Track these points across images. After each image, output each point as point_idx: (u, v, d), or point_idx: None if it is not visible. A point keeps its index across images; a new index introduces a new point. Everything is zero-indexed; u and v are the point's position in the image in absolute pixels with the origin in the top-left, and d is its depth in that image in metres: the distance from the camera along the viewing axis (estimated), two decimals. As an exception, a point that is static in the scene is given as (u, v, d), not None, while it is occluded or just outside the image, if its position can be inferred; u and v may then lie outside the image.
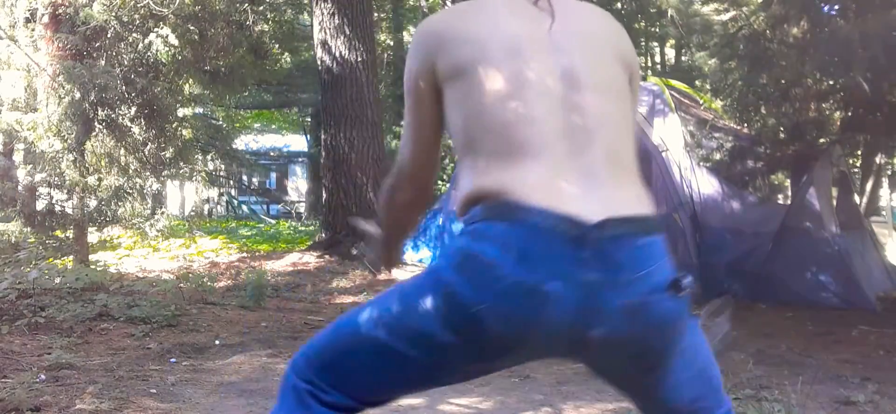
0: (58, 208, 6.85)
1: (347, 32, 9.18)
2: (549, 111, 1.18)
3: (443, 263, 1.18)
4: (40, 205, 6.96)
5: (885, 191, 13.03)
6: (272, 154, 23.69)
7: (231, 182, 17.96)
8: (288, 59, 15.56)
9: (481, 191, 1.16)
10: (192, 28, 6.98)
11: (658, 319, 1.14)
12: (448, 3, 18.51)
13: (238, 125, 18.96)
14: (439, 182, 15.07)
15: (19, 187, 6.97)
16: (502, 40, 1.23)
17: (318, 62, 9.50)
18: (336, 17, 9.18)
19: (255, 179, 21.78)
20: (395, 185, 1.41)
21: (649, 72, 19.29)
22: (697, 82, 14.61)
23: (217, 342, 4.51)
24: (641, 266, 1.12)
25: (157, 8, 6.59)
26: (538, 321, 1.10)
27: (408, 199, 1.42)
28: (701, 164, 7.33)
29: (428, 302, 1.16)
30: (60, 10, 6.50)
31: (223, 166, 14.73)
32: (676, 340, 1.19)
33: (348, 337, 1.26)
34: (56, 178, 6.63)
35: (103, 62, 6.59)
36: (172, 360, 4.03)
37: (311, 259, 8.45)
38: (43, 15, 6.65)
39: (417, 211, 1.52)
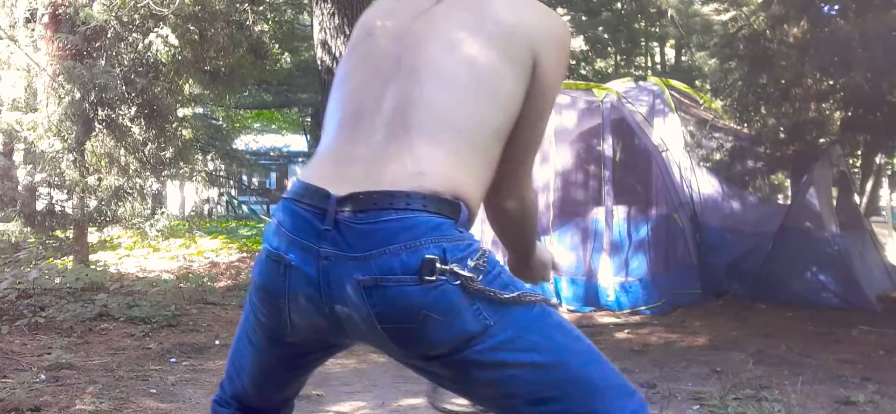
0: (58, 208, 6.85)
1: (347, 32, 9.17)
2: (366, 93, 1.18)
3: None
4: (40, 205, 6.96)
5: (885, 191, 13.03)
6: (272, 154, 23.70)
7: (231, 182, 17.95)
8: (288, 59, 15.55)
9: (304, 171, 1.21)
10: (192, 28, 6.98)
11: (399, 303, 1.05)
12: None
13: (238, 125, 18.96)
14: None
15: (19, 187, 6.97)
16: (369, 24, 1.27)
17: (318, 62, 9.48)
18: (336, 17, 9.18)
19: (255, 179, 21.78)
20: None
21: (649, 72, 19.29)
22: (697, 82, 14.60)
23: (217, 342, 4.51)
24: (378, 244, 1.05)
25: (157, 8, 6.59)
26: (288, 291, 1.12)
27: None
28: (701, 164, 7.33)
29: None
30: (60, 10, 6.50)
31: (223, 166, 14.72)
32: (452, 329, 1.07)
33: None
34: (56, 178, 6.63)
35: (103, 62, 6.59)
36: (172, 360, 4.03)
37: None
38: (43, 15, 6.65)
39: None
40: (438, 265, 1.04)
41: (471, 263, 1.07)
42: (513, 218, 1.31)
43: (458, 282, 1.05)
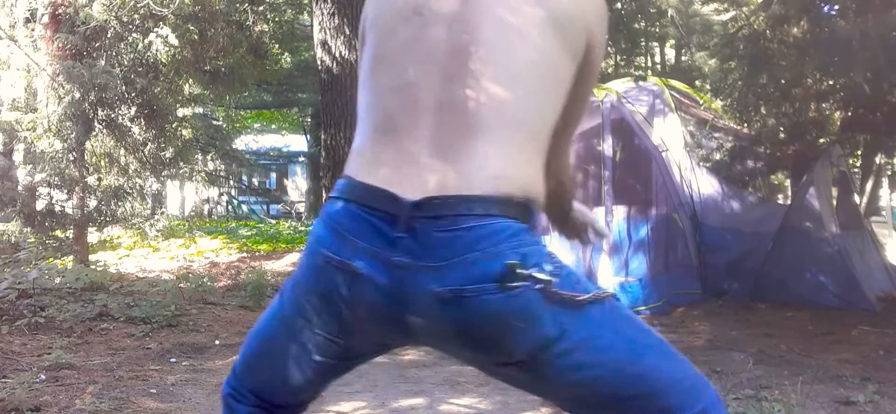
0: (58, 208, 6.85)
1: (347, 32, 9.18)
2: (419, 84, 1.09)
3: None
4: (40, 205, 6.96)
5: (885, 191, 13.03)
6: (272, 154, 23.70)
7: (231, 182, 17.95)
8: (288, 59, 15.56)
9: (346, 168, 1.14)
10: (191, 28, 6.98)
11: (481, 312, 1.01)
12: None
13: (238, 125, 18.97)
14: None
15: (19, 187, 6.97)
16: (408, 1, 1.15)
17: (318, 62, 9.49)
18: (336, 18, 9.18)
19: (255, 179, 21.78)
20: None
21: (649, 72, 19.28)
22: (697, 82, 14.60)
23: (217, 342, 4.51)
24: (458, 252, 1.00)
25: (157, 8, 6.59)
26: (353, 300, 1.06)
27: None
28: (701, 164, 7.33)
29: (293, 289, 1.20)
30: (60, 10, 6.50)
31: (223, 166, 14.73)
32: (531, 335, 1.04)
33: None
34: (56, 179, 6.63)
35: (103, 62, 6.59)
36: (172, 360, 4.03)
37: (311, 259, 8.45)
38: (43, 15, 6.65)
39: None
40: (520, 271, 1.00)
41: (548, 267, 1.04)
42: (551, 198, 1.27)
43: (539, 286, 1.02)
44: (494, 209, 1.02)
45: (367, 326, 1.10)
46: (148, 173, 7.46)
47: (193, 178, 9.73)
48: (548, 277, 1.02)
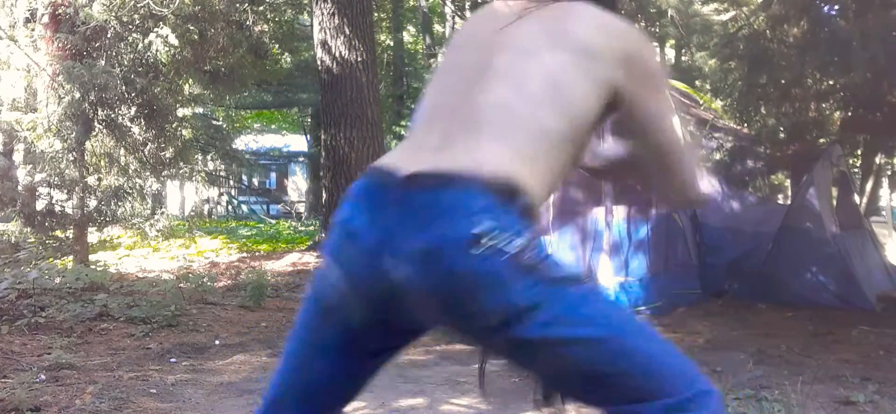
0: (58, 208, 6.85)
1: (347, 32, 9.18)
2: (448, 94, 1.33)
3: None
4: (40, 205, 6.96)
5: (885, 191, 13.03)
6: (272, 154, 23.70)
7: (231, 182, 17.96)
8: (288, 59, 15.56)
9: None
10: (191, 28, 6.98)
11: (452, 271, 1.12)
12: (447, 4, 18.50)
13: (238, 125, 18.97)
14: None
15: (19, 187, 6.97)
16: (459, 37, 1.47)
17: (318, 62, 9.49)
18: (336, 18, 9.18)
19: (255, 179, 21.79)
20: None
21: (649, 72, 19.21)
22: (697, 82, 14.60)
23: (217, 342, 4.51)
24: (438, 215, 1.14)
25: (157, 8, 6.59)
26: (351, 256, 1.22)
27: None
28: (701, 164, 7.32)
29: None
30: (60, 10, 6.50)
31: (223, 166, 14.73)
32: (500, 301, 1.12)
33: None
34: (56, 179, 6.63)
35: (103, 62, 6.59)
36: (172, 360, 4.03)
37: (311, 259, 8.45)
38: (43, 15, 6.65)
39: None
40: (488, 237, 1.11)
41: (521, 241, 1.13)
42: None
43: (508, 255, 1.11)
44: (474, 185, 1.16)
45: (364, 289, 1.23)
46: (148, 173, 7.46)
47: (193, 178, 9.74)
48: (518, 249, 1.12)
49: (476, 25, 1.45)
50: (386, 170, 1.23)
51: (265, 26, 9.60)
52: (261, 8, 9.20)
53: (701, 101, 8.52)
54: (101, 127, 6.92)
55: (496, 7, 1.42)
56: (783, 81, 7.39)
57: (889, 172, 12.88)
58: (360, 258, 1.20)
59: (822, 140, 7.65)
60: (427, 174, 1.18)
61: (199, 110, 12.81)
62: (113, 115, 6.89)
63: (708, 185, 7.12)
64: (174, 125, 7.64)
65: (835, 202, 7.17)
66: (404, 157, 1.25)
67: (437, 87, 1.39)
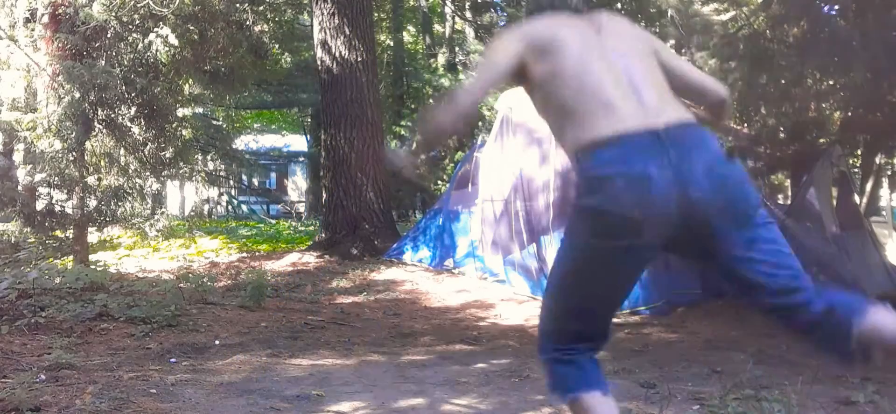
0: (58, 208, 6.85)
1: (347, 32, 9.18)
2: (611, 82, 1.79)
3: (578, 201, 1.75)
4: (40, 205, 6.96)
5: (885, 191, 13.02)
6: (272, 154, 23.69)
7: (231, 182, 17.96)
8: (288, 59, 15.56)
9: (587, 138, 1.73)
10: (191, 28, 6.98)
11: (727, 175, 1.70)
12: (447, 4, 18.49)
13: (238, 125, 18.96)
14: (439, 182, 15.05)
15: (19, 187, 6.96)
16: (550, 38, 1.88)
17: (318, 62, 9.49)
18: (336, 18, 9.18)
19: (255, 179, 21.78)
20: (448, 115, 1.88)
21: (649, 72, 19.24)
22: (697, 82, 14.57)
23: (217, 342, 4.51)
24: (702, 146, 1.71)
25: (157, 8, 6.59)
26: (653, 198, 1.64)
27: (454, 128, 1.94)
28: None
29: (579, 233, 1.77)
30: (60, 10, 6.50)
31: (223, 166, 14.73)
32: (752, 204, 1.73)
33: (551, 302, 1.88)
34: (56, 179, 6.63)
35: (103, 62, 6.59)
36: (172, 360, 4.03)
37: (311, 259, 8.45)
38: (43, 15, 6.65)
39: (450, 136, 2.26)
40: (730, 151, 1.78)
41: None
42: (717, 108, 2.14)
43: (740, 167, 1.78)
44: (700, 126, 1.78)
45: (662, 216, 1.66)
46: (148, 173, 7.45)
47: (193, 178, 9.74)
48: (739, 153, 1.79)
49: (568, 33, 1.88)
50: (636, 129, 1.69)
51: (265, 26, 9.59)
52: (261, 8, 9.20)
53: (701, 102, 8.51)
54: (101, 127, 6.92)
55: (564, 20, 1.94)
56: (783, 81, 7.39)
57: (889, 172, 12.87)
58: (664, 192, 1.64)
59: (822, 140, 7.64)
60: (675, 124, 1.72)
61: (199, 110, 12.82)
62: (113, 115, 6.89)
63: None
64: (174, 125, 7.64)
65: (835, 202, 7.17)
66: (631, 120, 1.71)
67: (594, 79, 1.80)
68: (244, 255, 9.49)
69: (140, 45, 6.77)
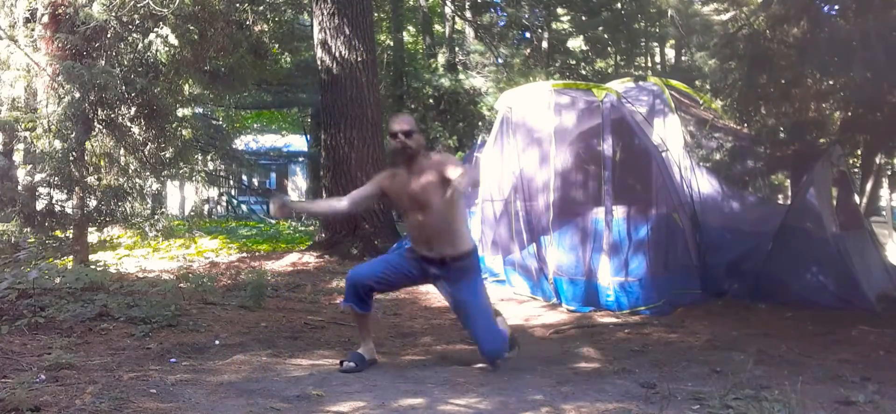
0: (58, 208, 6.85)
1: (347, 32, 9.18)
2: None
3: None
4: (40, 205, 6.95)
5: (885, 191, 13.03)
6: (272, 154, 23.70)
7: (231, 182, 17.96)
8: (288, 59, 15.56)
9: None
10: (191, 28, 6.97)
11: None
12: (447, 4, 18.48)
13: (238, 125, 18.97)
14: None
15: (19, 187, 6.96)
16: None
17: (318, 62, 9.49)
18: (336, 18, 9.18)
19: (255, 179, 21.78)
20: (327, 208, 3.20)
21: (649, 72, 19.29)
22: (697, 82, 14.61)
23: (217, 342, 4.51)
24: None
25: (157, 8, 6.59)
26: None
27: (347, 213, 3.31)
28: (701, 164, 7.33)
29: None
30: (60, 10, 6.50)
31: (223, 166, 14.73)
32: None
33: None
34: (56, 179, 6.62)
35: (103, 62, 6.59)
36: (172, 360, 4.03)
37: (311, 259, 8.45)
38: (43, 15, 6.65)
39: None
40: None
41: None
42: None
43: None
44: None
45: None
46: (148, 173, 7.45)
47: (193, 178, 9.75)
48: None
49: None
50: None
51: (265, 26, 9.60)
52: (261, 8, 9.20)
53: (701, 101, 8.52)
54: (101, 127, 6.92)
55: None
56: (783, 81, 7.37)
57: (889, 172, 12.88)
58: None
59: (822, 140, 7.63)
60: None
61: (199, 110, 12.82)
62: (113, 115, 6.89)
63: (708, 185, 7.13)
64: (174, 125, 7.64)
65: (835, 202, 7.16)
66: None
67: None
68: (244, 255, 9.49)
69: (140, 45, 6.76)
